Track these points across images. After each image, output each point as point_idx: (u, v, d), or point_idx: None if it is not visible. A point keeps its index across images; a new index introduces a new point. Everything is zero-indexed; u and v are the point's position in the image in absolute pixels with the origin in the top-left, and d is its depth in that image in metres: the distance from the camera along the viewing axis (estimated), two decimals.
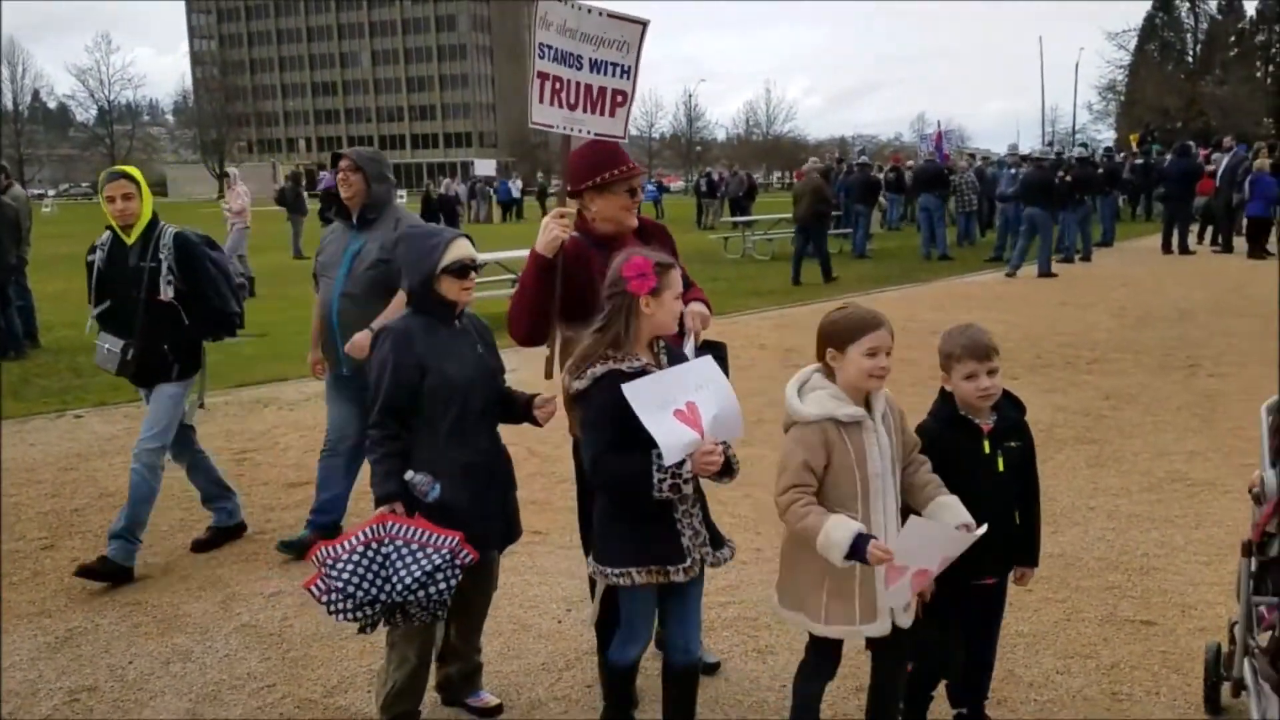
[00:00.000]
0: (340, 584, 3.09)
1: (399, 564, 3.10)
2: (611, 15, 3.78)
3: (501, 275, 14.10)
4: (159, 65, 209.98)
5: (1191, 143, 23.48)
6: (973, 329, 3.13)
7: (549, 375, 3.69)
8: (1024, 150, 23.57)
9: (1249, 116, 56.38)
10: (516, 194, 43.04)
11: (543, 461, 6.74)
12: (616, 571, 3.01)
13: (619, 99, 3.84)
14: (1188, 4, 68.01)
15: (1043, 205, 17.03)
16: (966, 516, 2.87)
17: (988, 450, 3.10)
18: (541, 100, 3.69)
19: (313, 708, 3.75)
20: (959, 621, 3.20)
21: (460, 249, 3.35)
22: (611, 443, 2.91)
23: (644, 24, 3.87)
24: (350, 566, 3.10)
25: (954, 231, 22.78)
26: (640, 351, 2.99)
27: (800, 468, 2.88)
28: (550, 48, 3.67)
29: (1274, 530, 2.64)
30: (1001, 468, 3.10)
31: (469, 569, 3.24)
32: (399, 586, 3.09)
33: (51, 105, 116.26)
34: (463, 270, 3.32)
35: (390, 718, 3.38)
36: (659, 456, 2.82)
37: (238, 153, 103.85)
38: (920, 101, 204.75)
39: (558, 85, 3.71)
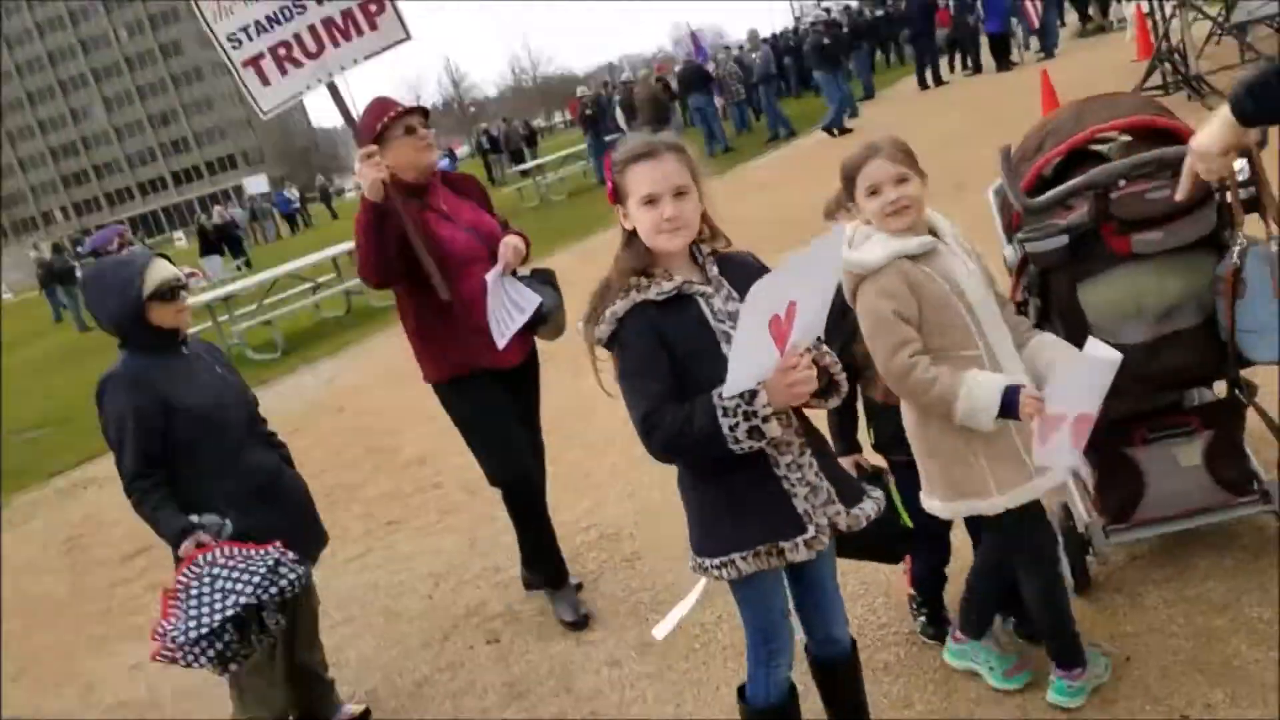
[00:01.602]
0: (182, 636, 2.86)
1: (234, 575, 2.89)
2: None
3: (302, 286, 13.66)
4: None
5: None
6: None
7: (443, 295, 3.46)
8: (774, 30, 24.11)
9: None
10: (296, 204, 41.50)
11: (383, 455, 6.65)
12: (716, 563, 2.26)
13: (372, 8, 3.60)
14: None
15: (824, 68, 17.62)
16: (1099, 346, 2.33)
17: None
18: (267, 83, 3.53)
19: None
20: None
21: (160, 270, 3.05)
22: (662, 394, 2.17)
23: None
24: (184, 613, 2.86)
25: (730, 124, 23.22)
26: (674, 269, 2.26)
27: (895, 321, 2.43)
28: (245, 29, 3.50)
29: (1021, 298, 2.85)
30: None
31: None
32: (247, 589, 2.87)
33: None
34: (171, 292, 3.04)
35: None
36: (720, 396, 2.11)
37: None
38: (671, 10, 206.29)
39: (283, 51, 3.54)
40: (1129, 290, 2.65)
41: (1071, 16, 23.01)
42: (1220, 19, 11.31)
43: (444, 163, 41.42)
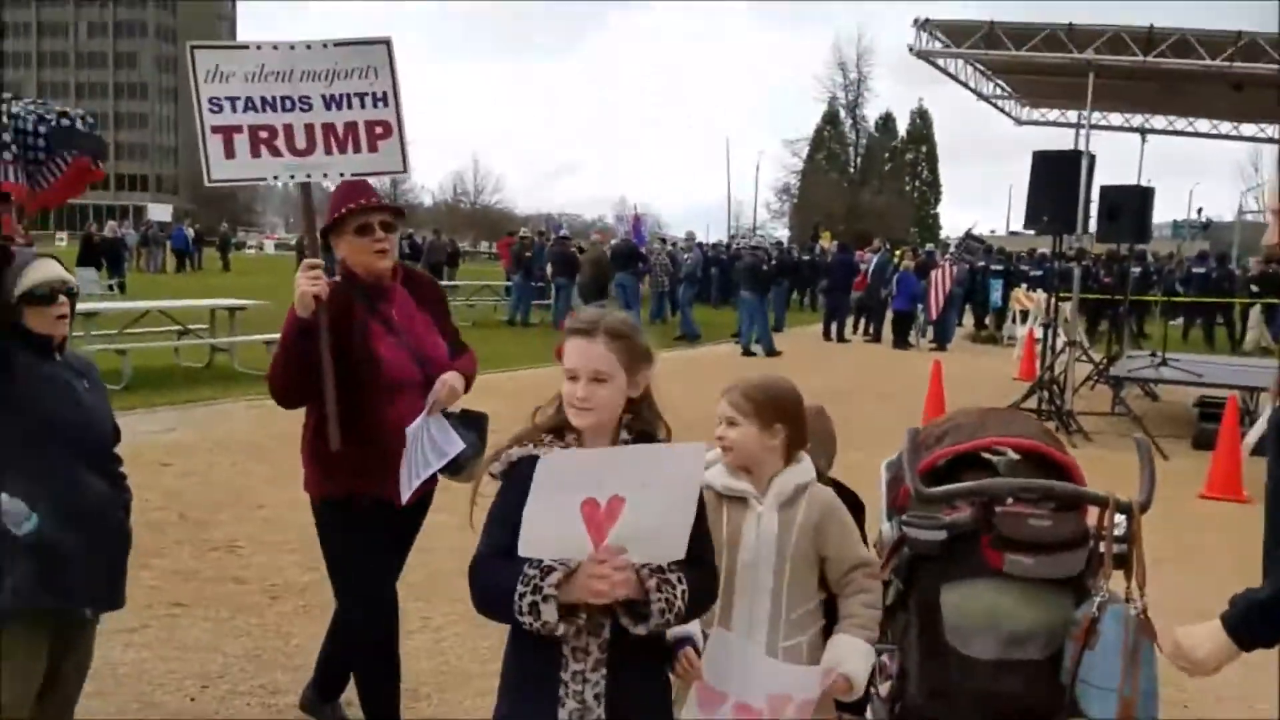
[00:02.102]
0: None
1: None
2: (340, 43, 3.49)
3: (168, 326, 13.10)
4: None
5: (848, 243, 26.10)
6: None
7: (334, 445, 3.28)
8: (707, 240, 25.21)
9: (899, 223, 63.71)
10: (192, 242, 40.29)
11: (194, 527, 6.22)
12: None
13: (379, 130, 3.49)
14: (851, 120, 76.10)
15: (755, 289, 18.37)
16: (845, 662, 2.44)
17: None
18: (231, 155, 3.39)
19: None
20: None
21: (44, 270, 2.86)
22: (499, 546, 2.14)
23: (385, 42, 3.53)
24: None
25: (647, 310, 23.81)
26: (587, 441, 2.24)
27: None
28: (234, 100, 3.38)
29: (888, 579, 2.86)
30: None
31: (62, 633, 2.85)
32: None
33: None
34: (49, 295, 2.84)
35: None
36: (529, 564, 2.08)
37: None
38: (619, 186, 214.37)
39: (266, 134, 3.40)
40: (989, 605, 2.69)
41: (970, 318, 24.65)
42: (1101, 366, 12.25)
43: None
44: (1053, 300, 12.89)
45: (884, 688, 3.13)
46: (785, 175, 73.53)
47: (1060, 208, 10.88)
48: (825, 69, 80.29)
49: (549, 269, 22.42)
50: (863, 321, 23.12)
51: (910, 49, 13.05)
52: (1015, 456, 2.97)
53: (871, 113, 77.46)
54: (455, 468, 3.38)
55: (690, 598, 2.15)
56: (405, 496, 3.31)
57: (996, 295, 22.88)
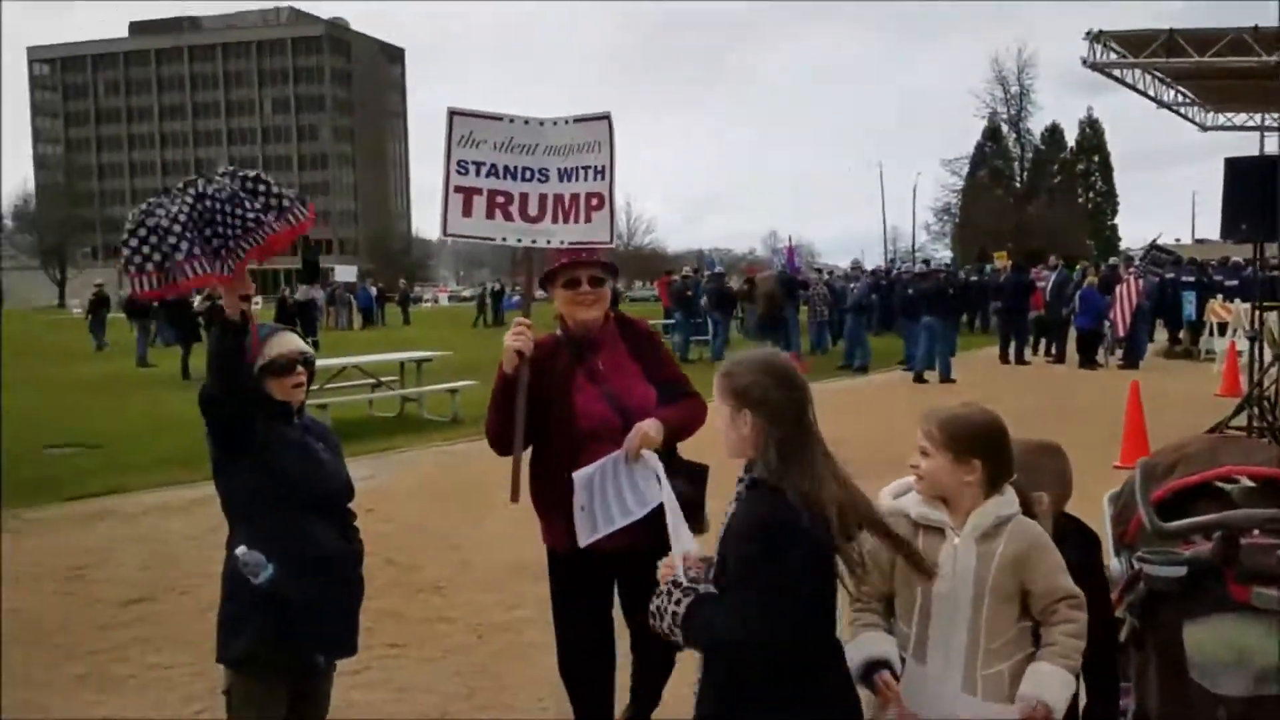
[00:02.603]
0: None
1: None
2: (577, 120, 3.69)
3: (362, 380, 13.83)
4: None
5: (1021, 261, 25.15)
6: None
7: (514, 498, 3.51)
8: (869, 265, 24.75)
9: (1073, 239, 60.87)
10: (375, 300, 42.56)
11: (400, 571, 6.52)
12: None
13: (594, 202, 3.69)
14: (1015, 135, 73.49)
15: (939, 314, 17.96)
16: (1044, 690, 2.39)
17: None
18: (468, 214, 3.63)
19: None
20: None
21: (285, 343, 3.09)
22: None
23: (606, 117, 3.71)
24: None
25: (807, 340, 23.57)
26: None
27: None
28: (480, 164, 3.61)
29: (1122, 615, 2.75)
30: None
31: (299, 680, 3.01)
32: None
33: None
34: (287, 366, 3.08)
35: None
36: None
37: (81, 258, 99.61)
38: (771, 218, 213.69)
39: (502, 199, 3.63)
40: (1235, 640, 2.55)
41: (1162, 334, 23.30)
42: None
43: (514, 302, 42.87)
44: (1257, 311, 12.05)
45: None
46: (945, 195, 71.43)
47: (1259, 214, 10.20)
48: (984, 84, 77.82)
49: (704, 304, 22.58)
50: (1043, 342, 22.21)
51: (1083, 61, 12.63)
52: (1250, 484, 2.82)
53: (1036, 125, 74.61)
54: (691, 520, 3.39)
55: None
56: (583, 541, 3.40)
57: (1190, 308, 21.50)
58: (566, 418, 3.44)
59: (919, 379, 17.52)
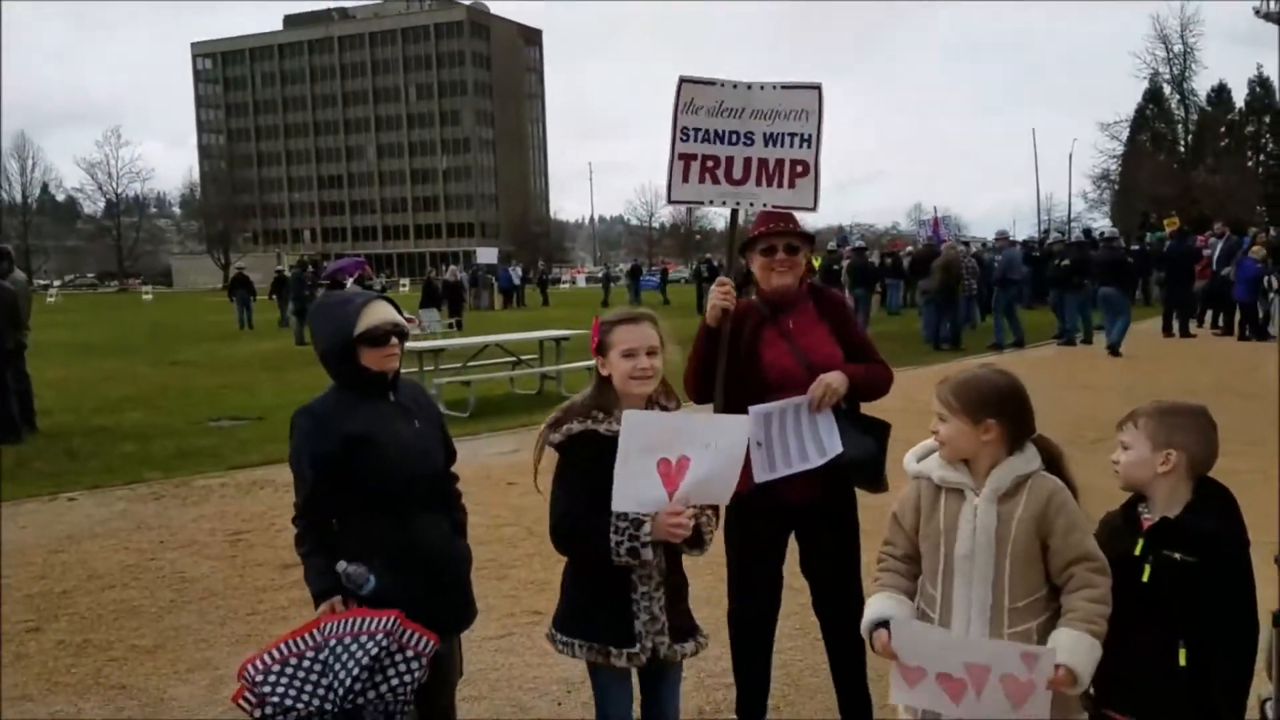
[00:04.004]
0: (276, 699, 2.76)
1: (337, 665, 2.78)
2: (785, 86, 3.76)
3: (503, 358, 14.11)
4: (167, 158, 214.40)
5: (1175, 227, 23.66)
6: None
7: None
8: (1020, 236, 23.77)
9: (1243, 204, 57.14)
10: (517, 281, 43.42)
11: (541, 540, 6.53)
12: (563, 639, 2.93)
13: (799, 169, 3.76)
14: (1178, 96, 69.37)
15: (1117, 284, 17.41)
16: (1066, 654, 2.37)
17: (1137, 551, 2.59)
18: (686, 180, 3.75)
19: None
20: None
21: (377, 313, 3.04)
22: (579, 502, 2.80)
23: (817, 87, 3.77)
24: (285, 680, 2.77)
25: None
26: (632, 409, 2.83)
27: (894, 522, 2.73)
28: (698, 130, 3.72)
29: None
30: (1146, 578, 2.56)
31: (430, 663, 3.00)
32: (341, 691, 2.76)
33: (60, 198, 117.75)
34: (382, 337, 3.02)
35: None
36: (619, 517, 2.72)
37: (243, 243, 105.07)
38: (916, 192, 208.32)
39: (711, 164, 3.74)
40: None
41: None
42: None
43: (651, 279, 42.89)
44: None
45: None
46: (1103, 161, 68.07)
47: None
48: (1144, 43, 73.80)
49: (846, 280, 22.12)
50: (1209, 314, 20.94)
51: (1256, 11, 11.71)
52: None
53: (1201, 86, 70.17)
54: (868, 477, 3.56)
55: (713, 522, 2.92)
56: (759, 477, 3.48)
57: None
58: (755, 370, 3.58)
59: (1114, 352, 16.68)
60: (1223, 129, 69.84)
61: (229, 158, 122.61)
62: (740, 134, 3.72)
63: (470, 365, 13.59)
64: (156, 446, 10.43)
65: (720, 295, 3.58)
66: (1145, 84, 69.16)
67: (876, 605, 2.65)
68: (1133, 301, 21.37)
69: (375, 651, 2.80)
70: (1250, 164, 69.00)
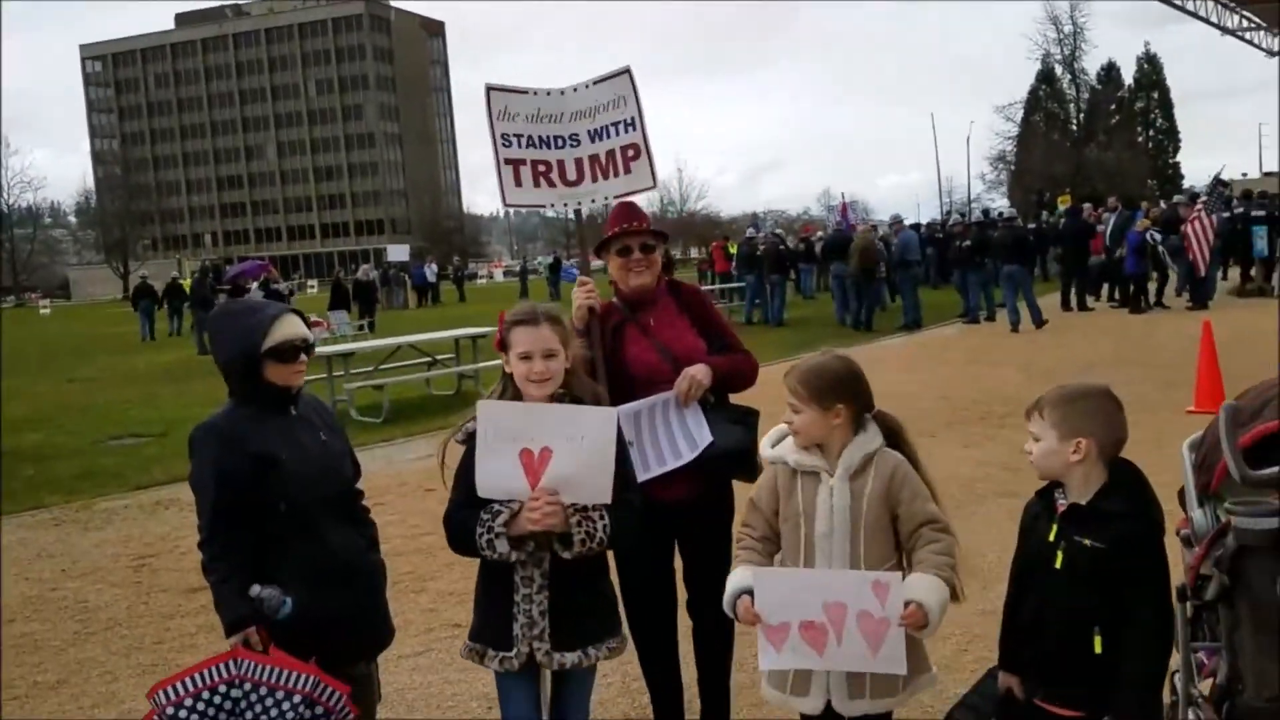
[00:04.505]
0: None
1: (249, 715, 2.69)
2: (597, 81, 3.83)
3: (418, 359, 13.88)
4: (59, 166, 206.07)
5: (1084, 205, 24.39)
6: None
7: None
8: (920, 220, 24.24)
9: (1134, 179, 59.21)
10: (432, 278, 42.75)
11: None
12: (465, 641, 2.95)
13: (630, 153, 3.82)
14: (1069, 75, 71.45)
15: (1019, 262, 17.89)
16: (917, 593, 2.54)
17: (1051, 538, 2.62)
18: (519, 184, 3.80)
19: None
20: None
21: (287, 327, 2.94)
22: (464, 499, 2.80)
23: (626, 71, 3.85)
24: (199, 713, 2.68)
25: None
26: None
27: (752, 505, 2.85)
28: (519, 136, 3.77)
29: (1208, 572, 2.59)
30: (1059, 565, 2.58)
31: (351, 685, 2.92)
32: None
33: None
34: (291, 353, 2.93)
35: None
36: (484, 509, 2.73)
37: (142, 251, 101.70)
38: (824, 178, 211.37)
39: (543, 168, 3.81)
40: None
41: (1234, 271, 22.55)
42: None
43: (570, 270, 42.81)
44: None
45: (1204, 686, 2.85)
46: (1000, 143, 69.84)
47: None
48: (1035, 25, 75.82)
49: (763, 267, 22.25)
50: (1105, 287, 21.62)
51: None
52: None
53: (1091, 65, 72.41)
54: (741, 466, 3.47)
55: (611, 530, 2.76)
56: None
57: (1262, 244, 20.61)
58: (621, 368, 3.56)
59: (1015, 329, 17.21)
60: (1113, 106, 72.23)
61: (124, 163, 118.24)
62: (565, 137, 3.81)
63: (383, 368, 13.34)
64: (58, 468, 10.02)
65: (584, 295, 3.58)
66: (1038, 65, 71.12)
67: (737, 577, 2.74)
68: (1033, 278, 22.02)
69: (292, 717, 2.71)
70: (1140, 139, 71.59)
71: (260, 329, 2.89)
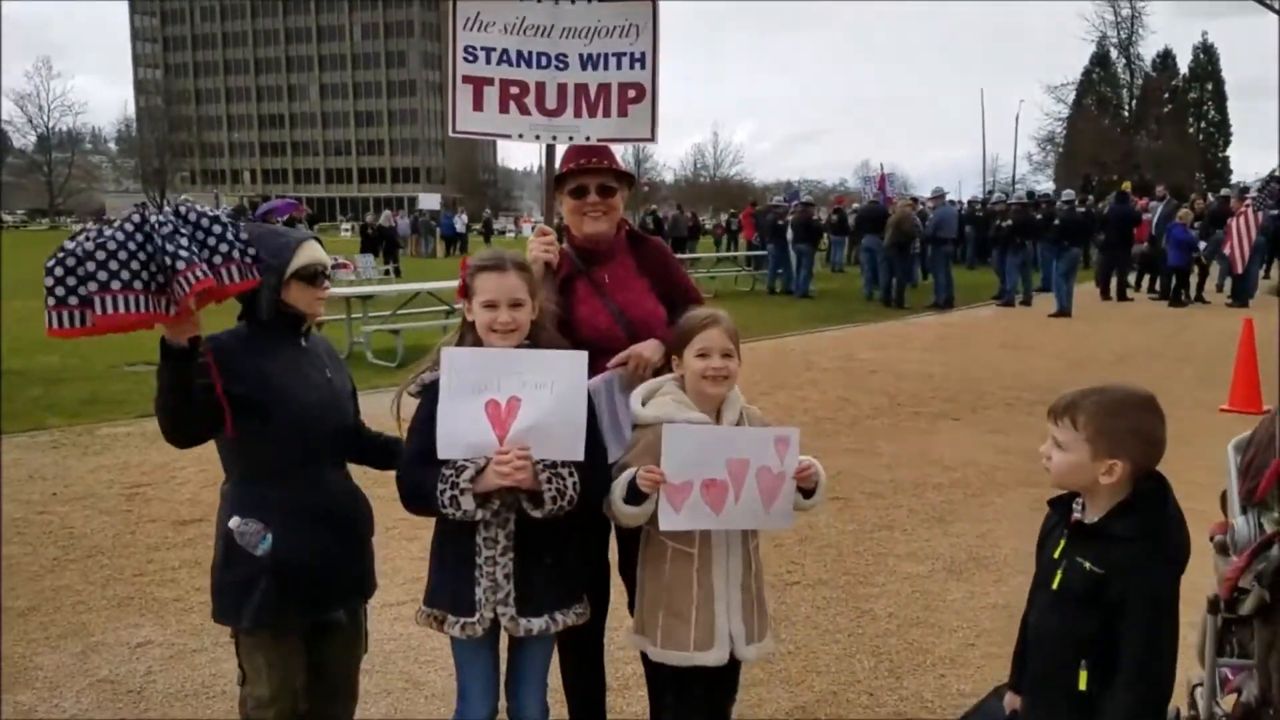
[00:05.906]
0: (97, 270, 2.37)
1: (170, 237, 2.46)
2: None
3: (436, 306, 13.70)
4: (102, 94, 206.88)
5: (1129, 191, 23.74)
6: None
7: None
8: (962, 197, 23.70)
9: (1182, 170, 57.99)
10: (460, 229, 42.55)
11: None
12: (420, 607, 2.77)
13: (630, 93, 3.27)
14: (1124, 60, 69.88)
15: (1081, 245, 17.80)
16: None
17: (1056, 554, 2.29)
18: (479, 108, 3.24)
19: None
20: None
21: (312, 251, 2.84)
22: (420, 453, 2.58)
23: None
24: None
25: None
26: None
27: (620, 470, 2.70)
28: (490, 50, 3.22)
29: (1247, 585, 2.33)
30: (1055, 586, 2.26)
31: (328, 632, 2.83)
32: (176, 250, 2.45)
33: None
34: (315, 276, 2.83)
35: None
36: (447, 465, 2.52)
37: (180, 182, 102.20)
38: (864, 149, 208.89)
39: (517, 90, 3.24)
40: None
41: (1276, 270, 21.95)
42: None
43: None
44: None
45: (1228, 703, 2.62)
46: (1049, 124, 68.53)
47: None
48: (1093, 6, 74.14)
49: (790, 235, 21.82)
50: (1147, 278, 21.09)
51: None
52: None
53: (1147, 50, 70.71)
54: None
55: (582, 489, 2.58)
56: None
57: None
58: (567, 331, 3.05)
59: (1062, 312, 16.87)
60: (1166, 95, 70.60)
61: (166, 93, 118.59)
62: (550, 55, 3.23)
63: (401, 313, 13.17)
64: (65, 391, 9.94)
65: (541, 247, 3.11)
66: (1093, 47, 69.60)
67: (620, 479, 2.66)
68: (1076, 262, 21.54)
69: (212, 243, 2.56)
70: (1191, 130, 69.96)
71: (288, 249, 2.79)
